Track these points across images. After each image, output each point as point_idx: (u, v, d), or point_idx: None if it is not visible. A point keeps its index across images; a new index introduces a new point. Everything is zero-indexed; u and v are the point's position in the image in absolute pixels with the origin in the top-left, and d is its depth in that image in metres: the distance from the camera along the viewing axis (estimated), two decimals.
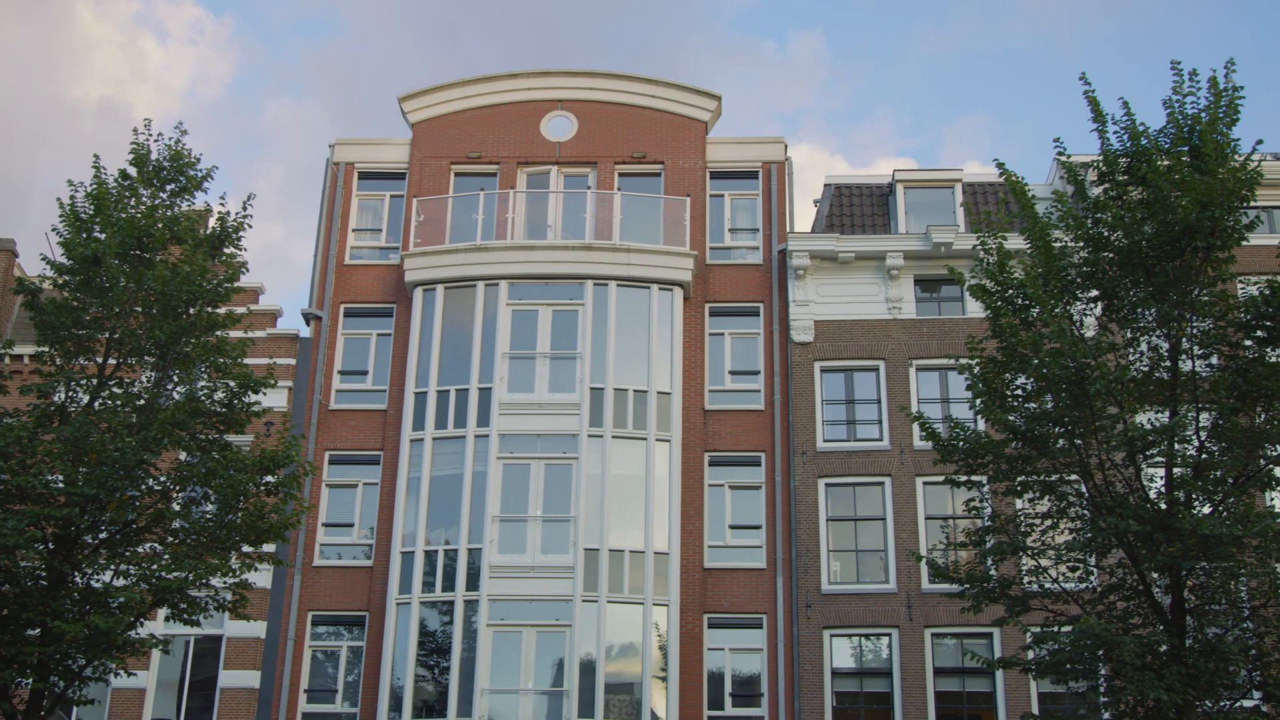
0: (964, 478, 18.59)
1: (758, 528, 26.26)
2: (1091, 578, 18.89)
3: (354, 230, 28.92)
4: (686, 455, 26.40)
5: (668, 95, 29.31)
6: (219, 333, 18.88)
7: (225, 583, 18.48)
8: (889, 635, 25.23)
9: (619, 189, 28.65)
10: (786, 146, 29.22)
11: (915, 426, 23.62)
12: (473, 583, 24.92)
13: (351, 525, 26.58)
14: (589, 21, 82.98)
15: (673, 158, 28.92)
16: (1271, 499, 20.86)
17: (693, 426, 26.71)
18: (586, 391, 26.17)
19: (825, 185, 29.90)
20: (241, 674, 25.19)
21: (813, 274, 27.68)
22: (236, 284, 27.51)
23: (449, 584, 25.04)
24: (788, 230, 28.28)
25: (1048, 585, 18.46)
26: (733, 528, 26.34)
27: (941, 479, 19.69)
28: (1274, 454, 17.10)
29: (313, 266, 28.42)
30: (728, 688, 25.27)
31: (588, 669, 24.32)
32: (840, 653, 25.35)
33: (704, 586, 25.67)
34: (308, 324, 27.88)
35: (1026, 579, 18.67)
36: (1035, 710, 23.94)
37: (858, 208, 29.30)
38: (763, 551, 26.02)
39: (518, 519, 25.42)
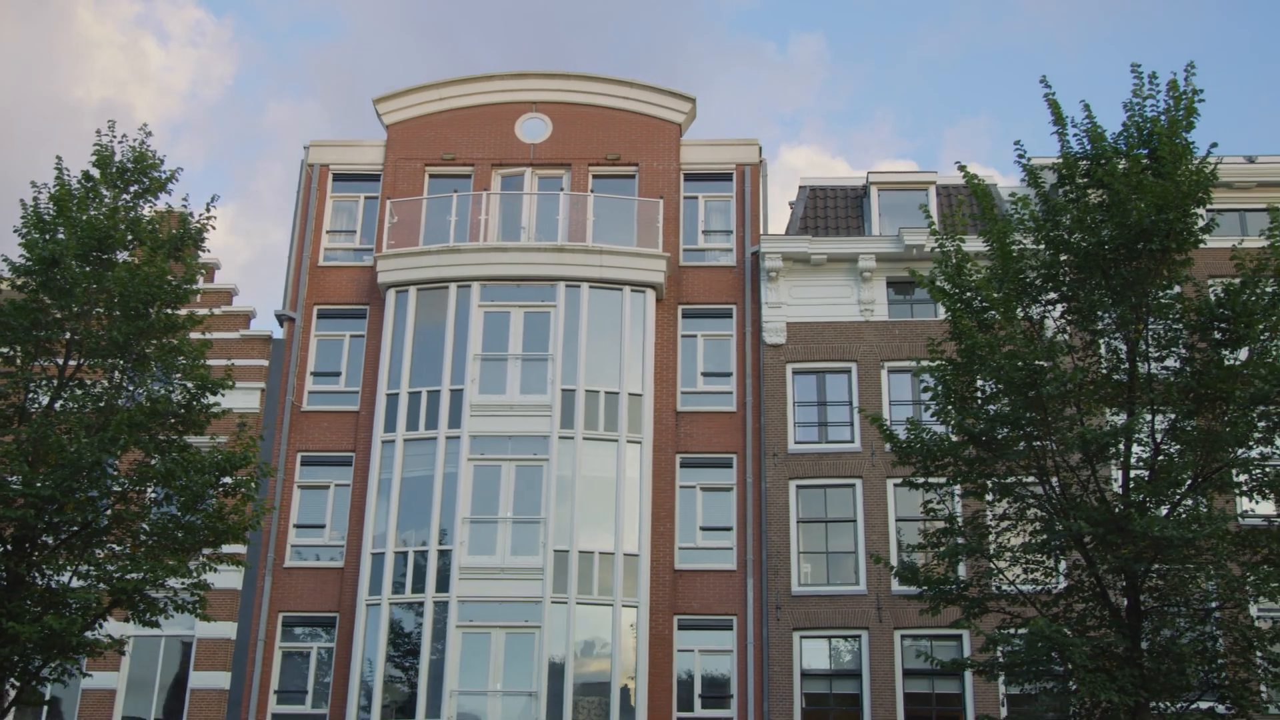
0: (921, 480, 18.59)
1: (728, 529, 26.28)
2: (1055, 579, 18.85)
3: (328, 232, 28.97)
4: (658, 457, 26.42)
5: (642, 97, 29.34)
6: (180, 334, 18.85)
7: (183, 583, 18.49)
8: (859, 637, 25.24)
9: (593, 191, 28.68)
10: (761, 149, 29.27)
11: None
12: (443, 584, 24.94)
13: (323, 526, 26.61)
14: (589, 22, 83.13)
15: (647, 159, 28.95)
16: (1238, 497, 20.75)
17: (664, 428, 26.73)
18: (558, 393, 26.20)
19: (800, 187, 29.92)
20: (212, 675, 25.21)
21: (785, 276, 27.70)
22: (210, 285, 27.88)
23: (419, 585, 25.06)
24: (761, 232, 28.31)
25: (1005, 588, 18.49)
26: (703, 529, 26.36)
27: (912, 481, 19.60)
28: (1229, 457, 17.07)
29: (287, 268, 28.46)
30: (697, 689, 25.28)
31: (556, 670, 24.34)
32: (810, 654, 25.36)
33: (674, 588, 25.69)
34: (281, 325, 27.91)
35: (985, 581, 18.67)
36: (1004, 712, 23.94)
37: (832, 210, 29.32)
38: (733, 553, 26.04)
39: (488, 520, 25.44)
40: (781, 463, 26.45)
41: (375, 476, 26.10)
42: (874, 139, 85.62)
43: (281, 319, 27.85)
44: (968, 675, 24.28)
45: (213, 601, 25.17)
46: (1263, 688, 17.54)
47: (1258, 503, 17.93)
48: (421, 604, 24.92)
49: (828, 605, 25.48)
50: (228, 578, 25.40)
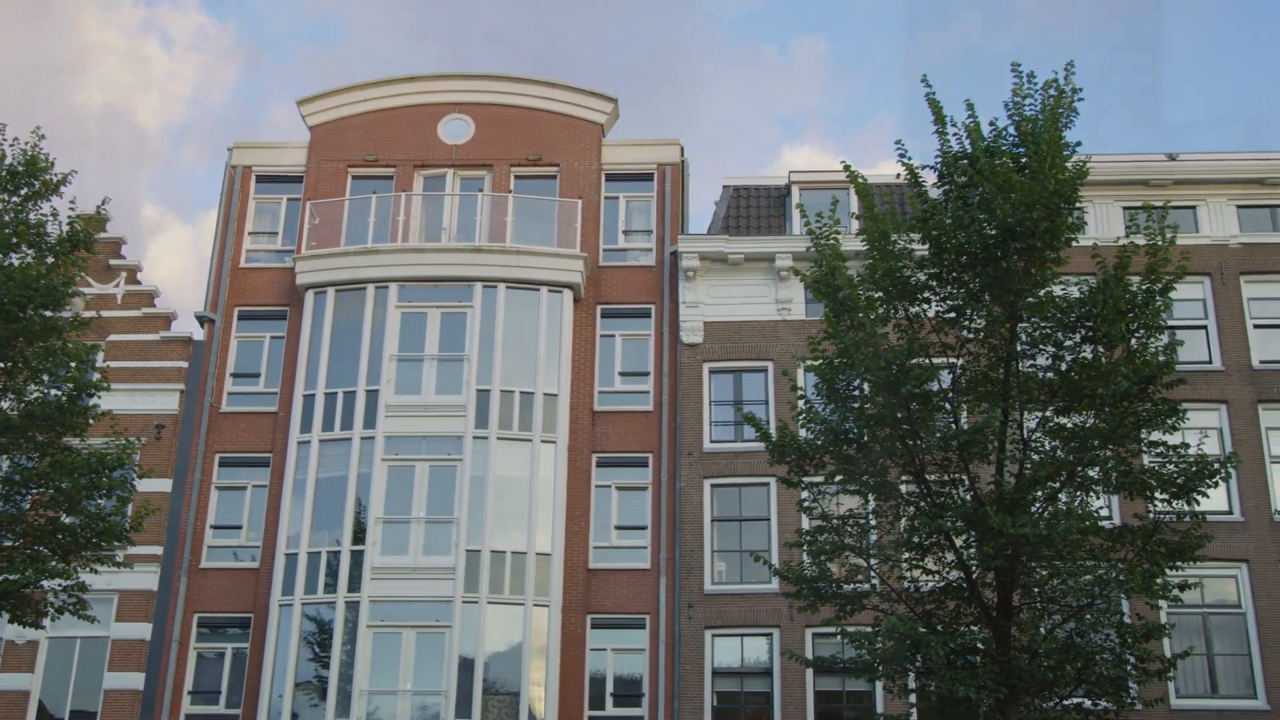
0: (796, 479, 18.62)
1: (643, 528, 26.34)
2: (930, 578, 18.87)
3: (250, 233, 29.01)
4: (574, 456, 26.47)
5: (563, 98, 29.39)
6: (63, 335, 18.87)
7: (61, 585, 18.55)
8: (770, 635, 25.29)
9: (515, 191, 28.74)
10: (683, 149, 29.34)
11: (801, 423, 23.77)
12: (354, 584, 25.00)
13: (240, 527, 26.67)
14: (590, 25, 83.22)
15: (568, 160, 29.00)
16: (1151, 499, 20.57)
17: (580, 428, 26.78)
18: (473, 393, 26.26)
19: (724, 187, 29.96)
20: (126, 675, 25.29)
21: (703, 275, 27.75)
22: (135, 287, 27.94)
23: (331, 585, 25.13)
24: (680, 232, 28.37)
25: (879, 586, 18.53)
26: (618, 528, 26.42)
27: (788, 480, 19.60)
28: (1090, 455, 17.08)
29: (209, 270, 28.51)
30: (609, 688, 25.35)
31: (466, 669, 24.39)
32: (721, 652, 25.42)
33: (588, 587, 25.75)
34: (202, 326, 27.98)
35: (858, 579, 18.69)
36: (913, 713, 23.94)
37: (754, 209, 29.37)
38: (647, 552, 26.10)
39: (401, 520, 25.50)
40: (696, 461, 26.51)
41: (290, 477, 26.17)
42: (875, 141, 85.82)
43: (202, 320, 27.92)
44: None
45: (128, 602, 25.62)
46: (1132, 685, 17.54)
47: (1131, 498, 17.93)
48: (333, 604, 24.98)
49: (740, 604, 25.54)
50: (143, 578, 25.69)
